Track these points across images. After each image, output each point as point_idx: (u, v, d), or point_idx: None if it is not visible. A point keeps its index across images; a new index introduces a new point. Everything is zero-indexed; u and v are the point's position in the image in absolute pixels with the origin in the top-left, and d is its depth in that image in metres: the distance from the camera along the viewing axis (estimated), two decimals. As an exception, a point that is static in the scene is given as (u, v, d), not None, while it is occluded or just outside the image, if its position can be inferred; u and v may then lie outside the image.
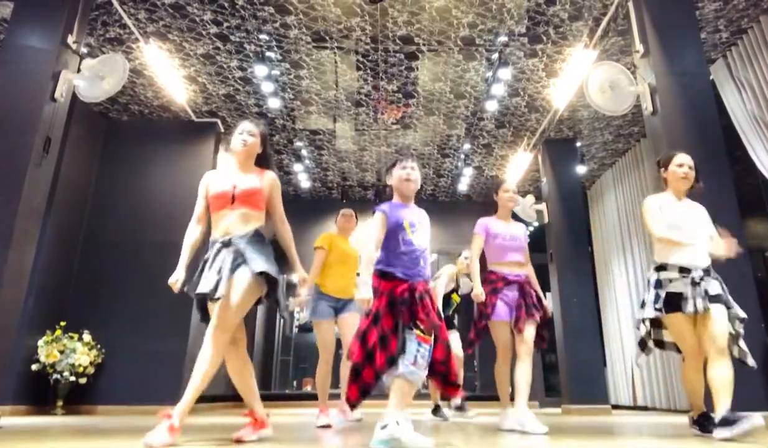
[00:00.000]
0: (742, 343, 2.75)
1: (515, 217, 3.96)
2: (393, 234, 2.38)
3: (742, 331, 2.76)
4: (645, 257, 6.93)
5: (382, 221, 2.41)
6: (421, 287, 2.28)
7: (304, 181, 8.66)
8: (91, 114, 6.39)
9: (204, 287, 2.36)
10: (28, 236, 3.65)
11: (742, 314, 2.76)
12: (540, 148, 7.24)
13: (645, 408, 6.77)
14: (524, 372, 3.30)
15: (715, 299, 2.67)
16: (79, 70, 4.11)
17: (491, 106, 6.28)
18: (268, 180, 2.71)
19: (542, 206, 7.04)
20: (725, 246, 2.77)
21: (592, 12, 4.85)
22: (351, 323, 3.86)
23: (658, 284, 2.78)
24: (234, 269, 2.39)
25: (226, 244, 2.45)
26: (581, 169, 7.65)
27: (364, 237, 2.52)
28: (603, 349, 7.57)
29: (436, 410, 4.71)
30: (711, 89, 4.16)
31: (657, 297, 2.75)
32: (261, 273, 2.38)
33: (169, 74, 5.62)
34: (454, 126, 6.99)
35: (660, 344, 2.94)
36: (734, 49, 5.19)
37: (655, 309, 2.74)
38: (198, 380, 2.37)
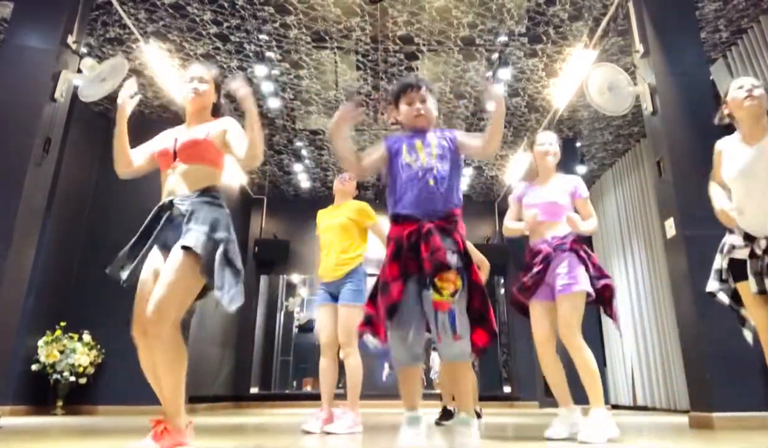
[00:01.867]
0: None
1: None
2: (393, 165, 2.05)
3: None
4: (645, 257, 6.94)
5: (379, 147, 2.12)
6: (429, 226, 1.85)
7: (304, 181, 8.66)
8: (91, 114, 6.39)
9: (117, 268, 2.02)
10: (28, 236, 3.65)
11: None
12: (540, 148, 7.23)
13: (645, 408, 6.77)
14: (582, 368, 2.84)
15: None
16: (79, 70, 4.11)
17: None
18: (218, 125, 2.19)
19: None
20: None
21: (592, 12, 4.85)
22: (343, 314, 3.23)
23: (722, 250, 2.33)
24: (168, 241, 2.01)
25: (166, 207, 2.07)
26: (581, 169, 7.65)
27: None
28: (603, 349, 7.57)
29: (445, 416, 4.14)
30: (711, 89, 4.16)
31: (720, 268, 2.35)
32: (189, 248, 1.91)
33: (169, 74, 5.62)
34: (454, 126, 6.99)
35: (742, 321, 2.40)
36: (734, 49, 5.19)
37: (720, 280, 2.34)
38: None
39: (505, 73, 5.63)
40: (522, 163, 7.30)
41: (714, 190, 2.36)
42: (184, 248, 1.92)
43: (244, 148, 2.05)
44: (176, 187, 2.09)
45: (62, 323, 5.46)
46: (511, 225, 2.93)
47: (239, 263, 2.05)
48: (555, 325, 2.76)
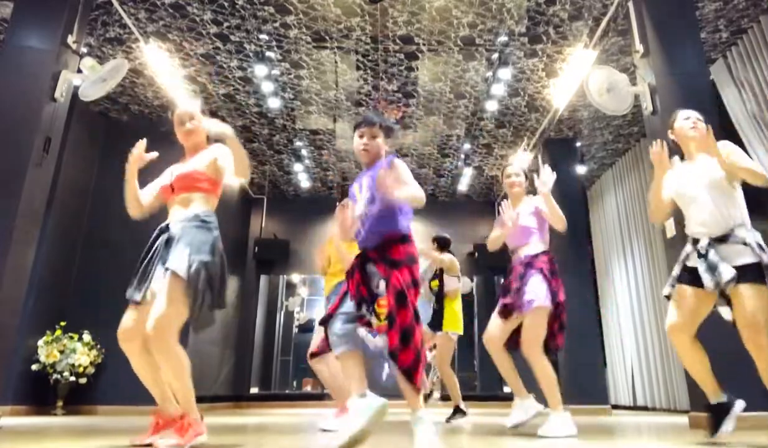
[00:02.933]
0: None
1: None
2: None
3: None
4: (645, 257, 6.94)
5: (351, 203, 2.30)
6: (372, 255, 2.10)
7: (304, 181, 8.66)
8: (91, 114, 6.39)
9: (130, 291, 2.26)
10: (28, 236, 3.65)
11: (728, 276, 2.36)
12: (540, 148, 7.24)
13: (645, 408, 6.77)
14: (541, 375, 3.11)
15: (745, 273, 2.31)
16: (79, 70, 4.11)
17: (491, 106, 6.28)
18: (208, 155, 2.44)
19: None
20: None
21: (592, 12, 4.85)
22: None
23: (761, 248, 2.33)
24: (163, 261, 2.21)
25: (163, 230, 2.31)
26: (581, 169, 7.65)
27: None
28: (603, 349, 7.56)
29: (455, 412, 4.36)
30: (711, 89, 4.16)
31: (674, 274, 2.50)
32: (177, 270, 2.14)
33: (169, 74, 5.62)
34: (454, 126, 6.98)
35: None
36: (734, 49, 5.19)
37: (670, 285, 2.52)
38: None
39: (505, 73, 5.63)
40: (521, 162, 7.30)
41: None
42: (167, 269, 2.16)
43: (234, 167, 2.32)
44: (175, 213, 2.35)
45: (62, 323, 5.46)
46: (492, 236, 3.24)
47: (221, 285, 2.27)
48: (507, 331, 3.13)
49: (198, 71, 5.77)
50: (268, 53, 5.48)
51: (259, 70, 5.63)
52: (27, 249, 3.65)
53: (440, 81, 5.96)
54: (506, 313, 3.08)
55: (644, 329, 6.86)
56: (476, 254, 8.94)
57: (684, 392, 5.63)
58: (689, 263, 2.43)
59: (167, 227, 2.30)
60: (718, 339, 3.47)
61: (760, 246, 2.30)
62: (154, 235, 2.33)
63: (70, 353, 5.27)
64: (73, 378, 5.23)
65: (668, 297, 2.53)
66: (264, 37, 5.22)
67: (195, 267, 2.15)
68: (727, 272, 2.27)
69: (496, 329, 3.12)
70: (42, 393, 5.23)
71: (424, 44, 5.32)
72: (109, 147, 6.54)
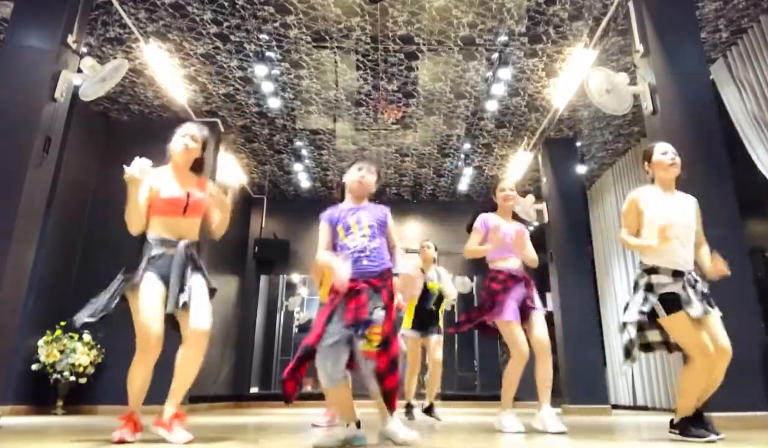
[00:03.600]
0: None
1: (516, 216, 3.97)
2: (335, 240, 2.44)
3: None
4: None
5: (323, 229, 2.48)
6: (363, 284, 2.23)
7: (304, 181, 8.66)
8: (91, 114, 6.39)
9: (170, 305, 2.47)
10: (28, 236, 3.65)
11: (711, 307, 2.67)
12: (540, 148, 7.24)
13: (645, 408, 6.78)
14: (547, 371, 3.31)
15: (706, 300, 2.57)
16: (79, 70, 4.11)
17: (491, 106, 6.28)
18: (209, 190, 2.65)
19: (542, 206, 7.03)
20: (713, 270, 2.65)
21: (592, 12, 4.85)
22: None
23: (649, 288, 2.60)
24: (188, 275, 2.47)
25: (181, 246, 2.50)
26: (581, 169, 7.65)
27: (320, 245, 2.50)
28: (603, 349, 7.56)
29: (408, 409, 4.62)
30: (711, 89, 4.16)
31: (646, 300, 2.60)
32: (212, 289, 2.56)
33: (169, 74, 5.62)
34: (454, 126, 6.98)
35: (647, 347, 2.80)
36: (734, 48, 5.19)
37: (641, 312, 2.60)
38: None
39: (505, 73, 5.63)
40: (521, 162, 7.30)
41: (630, 238, 2.71)
42: (212, 289, 2.56)
43: (217, 221, 2.67)
44: (187, 232, 2.56)
45: (62, 323, 5.45)
46: (475, 248, 3.43)
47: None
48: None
49: (198, 71, 5.77)
50: (268, 53, 5.48)
51: (259, 70, 5.63)
52: (27, 249, 3.65)
53: (440, 81, 5.96)
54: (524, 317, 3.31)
55: (644, 329, 6.85)
56: (476, 254, 8.92)
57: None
58: (668, 290, 2.55)
59: (185, 245, 2.51)
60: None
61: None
62: (182, 251, 2.49)
63: (70, 353, 5.27)
64: (73, 378, 5.23)
65: (628, 325, 2.70)
66: (264, 37, 5.21)
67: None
68: (706, 302, 2.58)
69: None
70: (42, 393, 5.22)
71: (424, 44, 5.32)
72: (109, 147, 6.54)
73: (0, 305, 3.38)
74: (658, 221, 2.57)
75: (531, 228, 8.22)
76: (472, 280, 9.26)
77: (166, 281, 2.45)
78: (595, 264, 8.32)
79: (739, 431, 3.10)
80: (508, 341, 3.24)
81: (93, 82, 4.04)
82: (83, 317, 2.49)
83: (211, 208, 2.64)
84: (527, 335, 3.28)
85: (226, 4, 4.76)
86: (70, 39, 4.02)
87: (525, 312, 3.29)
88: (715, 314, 2.58)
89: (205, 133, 2.77)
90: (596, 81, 4.17)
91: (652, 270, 2.63)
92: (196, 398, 6.20)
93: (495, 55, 5.49)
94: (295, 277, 9.77)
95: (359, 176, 2.53)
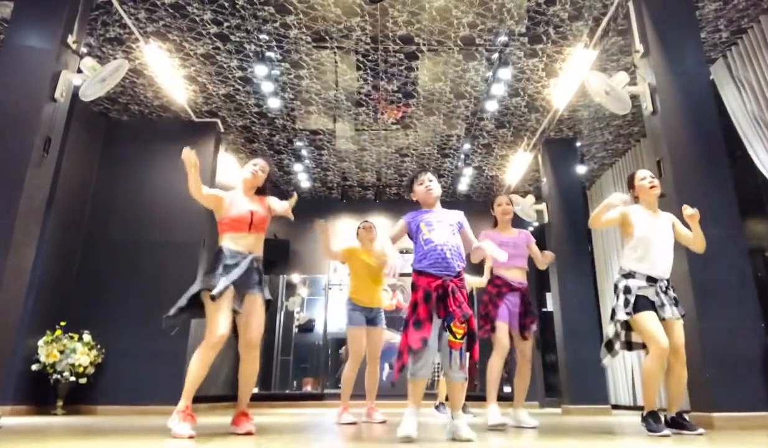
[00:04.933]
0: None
1: (517, 223, 4.31)
2: (416, 237, 2.72)
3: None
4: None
5: (401, 225, 2.79)
6: (453, 284, 2.53)
7: (304, 181, 8.66)
8: (91, 114, 6.39)
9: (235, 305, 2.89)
10: (28, 236, 3.65)
11: (682, 312, 3.02)
12: (540, 148, 7.24)
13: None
14: (527, 377, 3.81)
15: (676, 305, 2.96)
16: (79, 70, 4.10)
17: (491, 106, 6.28)
18: (267, 204, 3.18)
19: (542, 206, 7.04)
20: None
21: (592, 12, 4.85)
22: (377, 336, 4.28)
23: (627, 290, 2.96)
24: (253, 285, 2.93)
25: (254, 260, 2.97)
26: (581, 169, 7.65)
27: (388, 232, 2.84)
28: (603, 349, 7.55)
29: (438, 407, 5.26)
30: (711, 89, 4.16)
31: (627, 302, 2.94)
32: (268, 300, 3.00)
33: (169, 74, 5.62)
34: (454, 126, 6.98)
35: (629, 345, 3.06)
36: (734, 49, 5.19)
37: (626, 313, 2.92)
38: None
39: (505, 73, 5.63)
40: (521, 162, 7.30)
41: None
42: (268, 300, 3.04)
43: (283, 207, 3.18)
44: (252, 247, 3.02)
45: (62, 323, 5.46)
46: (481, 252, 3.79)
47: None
48: None
49: (198, 71, 5.77)
50: (268, 53, 5.48)
51: (259, 70, 5.63)
52: (27, 249, 3.65)
53: (440, 81, 5.96)
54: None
55: (644, 329, 6.85)
56: (476, 254, 8.92)
57: (684, 392, 5.63)
58: (641, 293, 2.94)
59: (254, 258, 2.98)
60: (718, 340, 3.48)
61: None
62: (241, 259, 2.93)
63: (70, 353, 5.27)
64: (73, 378, 5.23)
65: (619, 322, 2.99)
66: (264, 37, 5.21)
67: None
68: (678, 307, 2.98)
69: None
70: (42, 393, 5.22)
71: (424, 44, 5.32)
72: (109, 147, 6.54)
73: (0, 305, 3.38)
74: (644, 236, 3.01)
75: (531, 228, 8.23)
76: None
77: (235, 285, 2.85)
78: (595, 264, 8.32)
79: (739, 431, 3.10)
80: (495, 338, 3.64)
81: (93, 82, 4.04)
82: (168, 315, 2.84)
83: (272, 205, 3.16)
84: (513, 343, 3.74)
85: (226, 4, 4.76)
86: (70, 39, 4.02)
87: (525, 327, 3.70)
88: (680, 325, 2.93)
89: (271, 168, 3.43)
90: (594, 85, 4.19)
91: (629, 275, 3.02)
92: (196, 398, 6.18)
93: (495, 55, 5.49)
94: (295, 277, 9.77)
95: (425, 187, 2.84)
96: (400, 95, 6.25)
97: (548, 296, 7.30)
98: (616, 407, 7.34)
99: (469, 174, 8.30)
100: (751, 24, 4.92)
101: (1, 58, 3.93)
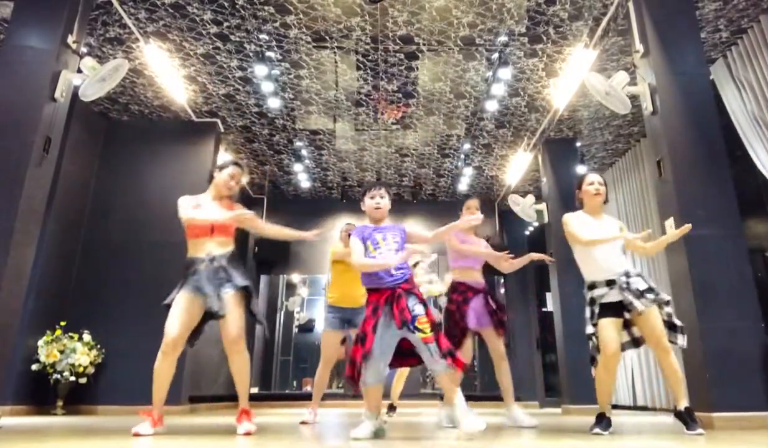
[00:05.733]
0: (677, 320, 2.96)
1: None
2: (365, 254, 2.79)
3: (671, 310, 2.98)
4: (645, 257, 6.94)
5: (357, 242, 2.83)
6: (400, 290, 2.63)
7: (304, 181, 8.66)
8: (91, 114, 6.39)
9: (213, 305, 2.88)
10: (28, 236, 3.65)
11: (667, 297, 2.96)
12: (540, 148, 7.24)
13: (645, 408, 6.77)
14: (508, 373, 3.73)
15: (646, 294, 2.88)
16: (79, 70, 4.10)
17: (491, 106, 6.28)
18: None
19: (542, 206, 7.04)
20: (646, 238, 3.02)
21: (592, 12, 4.85)
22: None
23: (592, 302, 3.00)
24: (221, 285, 2.89)
25: (210, 260, 2.95)
26: (581, 169, 7.65)
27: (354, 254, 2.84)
28: (603, 349, 7.55)
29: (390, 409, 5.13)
30: (711, 89, 4.16)
31: (592, 314, 2.99)
32: (243, 287, 2.95)
33: (169, 74, 5.62)
34: (454, 126, 6.98)
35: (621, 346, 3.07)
36: (734, 49, 5.19)
37: (593, 324, 2.98)
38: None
39: (505, 73, 5.63)
40: (521, 162, 7.31)
41: (588, 237, 3.02)
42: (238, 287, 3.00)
43: (265, 228, 3.34)
44: (215, 251, 3.02)
45: (62, 323, 5.46)
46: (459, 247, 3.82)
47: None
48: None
49: (198, 71, 5.77)
50: (268, 53, 5.48)
51: (259, 70, 5.63)
52: (27, 249, 3.65)
53: (440, 81, 5.96)
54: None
55: (644, 329, 6.85)
56: (476, 254, 8.93)
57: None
58: (605, 300, 2.95)
59: (213, 259, 2.98)
60: (718, 341, 3.48)
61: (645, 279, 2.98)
62: (200, 265, 2.96)
63: (70, 353, 5.27)
64: (73, 378, 5.23)
65: (591, 335, 3.03)
66: (264, 37, 5.21)
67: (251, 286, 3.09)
68: (650, 294, 2.89)
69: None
70: (42, 393, 5.22)
71: (424, 44, 5.32)
72: (109, 147, 6.54)
73: (0, 305, 3.38)
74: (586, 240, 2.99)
75: (531, 228, 8.23)
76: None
77: (201, 291, 2.88)
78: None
79: (739, 431, 3.10)
80: (461, 345, 3.60)
81: (92, 81, 4.04)
82: None
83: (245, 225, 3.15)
84: (486, 343, 3.74)
85: (226, 4, 4.76)
86: (70, 39, 4.02)
87: (493, 320, 3.69)
88: (654, 314, 2.89)
89: (245, 175, 3.24)
90: (594, 85, 4.20)
91: (592, 286, 3.04)
92: (196, 398, 6.21)
93: (495, 55, 5.49)
94: (295, 277, 9.77)
95: (375, 203, 2.87)
96: (400, 95, 6.25)
97: (548, 296, 7.29)
98: (615, 407, 7.33)
99: (469, 174, 8.30)
100: (751, 24, 4.92)
101: (1, 58, 3.93)
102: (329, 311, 4.16)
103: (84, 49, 4.99)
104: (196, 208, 3.04)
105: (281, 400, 8.46)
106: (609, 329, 2.89)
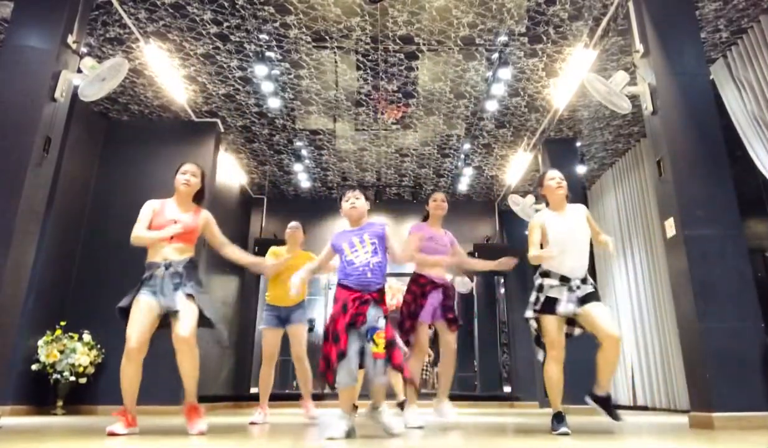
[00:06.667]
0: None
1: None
2: (340, 256, 2.86)
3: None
4: (645, 257, 6.94)
5: (328, 249, 2.95)
6: (370, 297, 2.69)
7: (304, 181, 8.66)
8: (91, 114, 6.39)
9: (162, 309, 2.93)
10: (28, 236, 3.65)
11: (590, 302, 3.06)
12: (540, 148, 7.24)
13: (645, 408, 6.77)
14: (452, 368, 3.80)
15: (589, 299, 3.00)
16: (79, 70, 4.10)
17: (491, 106, 6.28)
18: (203, 219, 3.18)
19: (542, 206, 7.02)
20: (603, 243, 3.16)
21: (592, 12, 4.85)
22: (299, 333, 4.52)
23: (540, 288, 3.08)
24: (175, 289, 2.92)
25: (166, 267, 2.98)
26: (581, 169, 7.65)
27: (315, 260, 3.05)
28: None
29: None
30: (711, 89, 4.15)
31: (537, 300, 3.07)
32: (189, 295, 2.94)
33: (169, 74, 5.62)
34: (454, 126, 6.98)
35: (568, 335, 3.20)
36: (734, 49, 5.19)
37: (534, 310, 3.06)
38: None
39: (505, 73, 5.63)
40: (521, 162, 7.31)
41: (535, 252, 3.09)
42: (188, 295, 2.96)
43: (224, 248, 3.25)
44: (170, 255, 3.03)
45: (62, 323, 5.46)
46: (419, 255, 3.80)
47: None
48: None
49: (198, 71, 5.77)
50: (268, 53, 5.48)
51: (259, 70, 5.63)
52: (27, 249, 3.65)
53: (440, 81, 5.96)
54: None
55: (644, 329, 6.86)
56: (476, 254, 8.91)
57: (684, 392, 5.63)
58: (551, 294, 3.03)
59: (170, 265, 3.01)
60: (718, 341, 3.48)
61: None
62: (156, 271, 3.03)
63: (70, 353, 5.27)
64: (73, 378, 5.23)
65: (529, 320, 3.11)
66: (264, 37, 5.21)
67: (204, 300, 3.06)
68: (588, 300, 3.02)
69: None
70: (42, 393, 5.22)
71: (424, 44, 5.32)
72: (109, 147, 6.54)
73: (0, 305, 3.38)
74: (556, 239, 3.08)
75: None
76: (472, 280, 9.24)
77: (155, 296, 2.94)
78: (595, 264, 8.32)
79: (739, 431, 3.10)
80: (416, 339, 3.68)
81: (91, 81, 4.04)
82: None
83: (212, 231, 3.22)
84: (439, 336, 3.79)
85: (226, 4, 4.76)
86: (70, 39, 4.02)
87: (446, 315, 3.73)
88: (598, 310, 2.99)
89: (203, 168, 3.30)
90: (594, 85, 4.20)
91: (545, 273, 3.11)
92: (197, 398, 6.19)
93: (495, 55, 5.49)
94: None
95: (350, 205, 2.91)
96: (400, 95, 6.25)
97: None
98: (616, 407, 7.32)
99: (469, 174, 8.30)
100: (751, 24, 4.92)
101: (1, 58, 3.93)
102: (266, 309, 4.34)
103: (84, 49, 4.99)
104: (157, 214, 3.09)
105: (281, 400, 8.45)
106: (554, 330, 3.01)
